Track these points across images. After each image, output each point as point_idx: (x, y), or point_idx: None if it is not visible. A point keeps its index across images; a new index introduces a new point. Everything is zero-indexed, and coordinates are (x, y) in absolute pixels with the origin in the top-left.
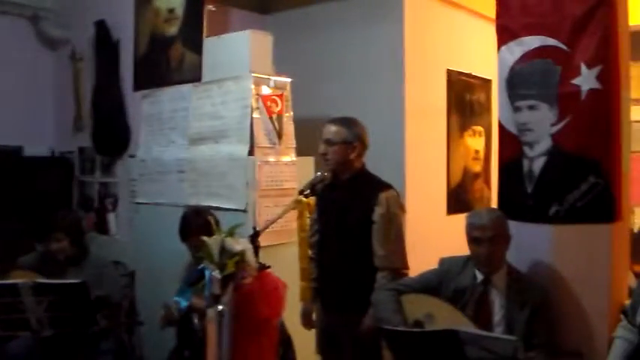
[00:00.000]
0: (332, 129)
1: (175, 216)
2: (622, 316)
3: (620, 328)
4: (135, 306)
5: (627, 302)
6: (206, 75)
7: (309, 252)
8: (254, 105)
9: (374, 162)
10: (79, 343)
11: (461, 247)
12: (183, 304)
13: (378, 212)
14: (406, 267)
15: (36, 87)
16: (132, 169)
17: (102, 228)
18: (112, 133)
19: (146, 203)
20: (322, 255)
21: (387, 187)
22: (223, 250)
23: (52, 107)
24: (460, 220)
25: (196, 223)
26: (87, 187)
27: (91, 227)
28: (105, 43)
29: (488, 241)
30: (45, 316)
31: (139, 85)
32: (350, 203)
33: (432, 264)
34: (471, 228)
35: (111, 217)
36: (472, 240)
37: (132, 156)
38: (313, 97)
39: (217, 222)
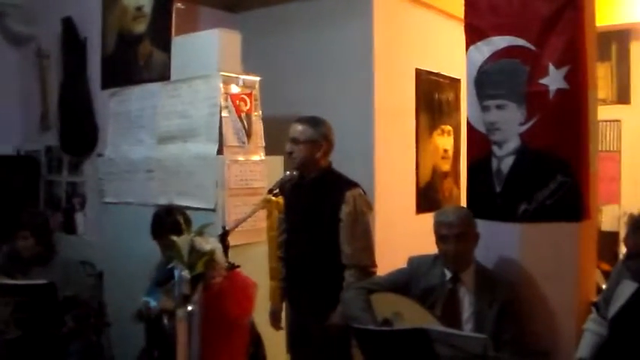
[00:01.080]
0: (298, 128)
1: (144, 215)
2: (592, 309)
3: (590, 322)
4: (103, 306)
5: (596, 299)
6: (174, 73)
7: (278, 251)
8: (223, 104)
9: (344, 161)
10: (46, 345)
11: (430, 246)
12: (153, 304)
13: (344, 210)
14: (374, 265)
15: (0, 84)
16: (100, 168)
17: (69, 228)
18: (79, 132)
19: (114, 203)
20: (290, 254)
21: (353, 185)
22: (193, 249)
23: (17, 105)
24: (429, 219)
25: (168, 222)
26: (54, 186)
27: (59, 227)
28: (72, 40)
29: (455, 238)
30: (11, 317)
31: (106, 84)
32: (317, 202)
33: (402, 263)
34: (438, 226)
35: (79, 216)
36: (439, 238)
37: (100, 155)
38: (282, 96)
39: (189, 221)
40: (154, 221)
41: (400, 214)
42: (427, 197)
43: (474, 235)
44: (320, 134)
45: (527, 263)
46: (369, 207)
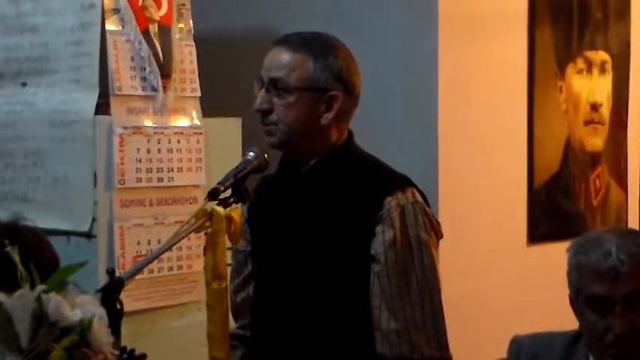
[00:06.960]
0: (282, 58)
1: None
2: None
3: None
4: None
5: None
6: None
7: (233, 324)
8: (107, 5)
9: (374, 133)
10: None
11: (558, 312)
12: None
13: (383, 238)
14: (446, 354)
15: None
16: None
17: None
18: None
19: None
20: (260, 328)
21: (399, 181)
22: (41, 319)
23: None
24: (556, 253)
25: None
26: None
27: None
28: None
29: (624, 303)
30: None
31: None
32: (321, 218)
33: (499, 348)
34: (585, 275)
35: None
36: (588, 301)
37: None
38: None
39: (30, 256)
40: None
41: (494, 244)
42: (552, 208)
43: None
44: (328, 72)
45: None
46: (436, 229)
